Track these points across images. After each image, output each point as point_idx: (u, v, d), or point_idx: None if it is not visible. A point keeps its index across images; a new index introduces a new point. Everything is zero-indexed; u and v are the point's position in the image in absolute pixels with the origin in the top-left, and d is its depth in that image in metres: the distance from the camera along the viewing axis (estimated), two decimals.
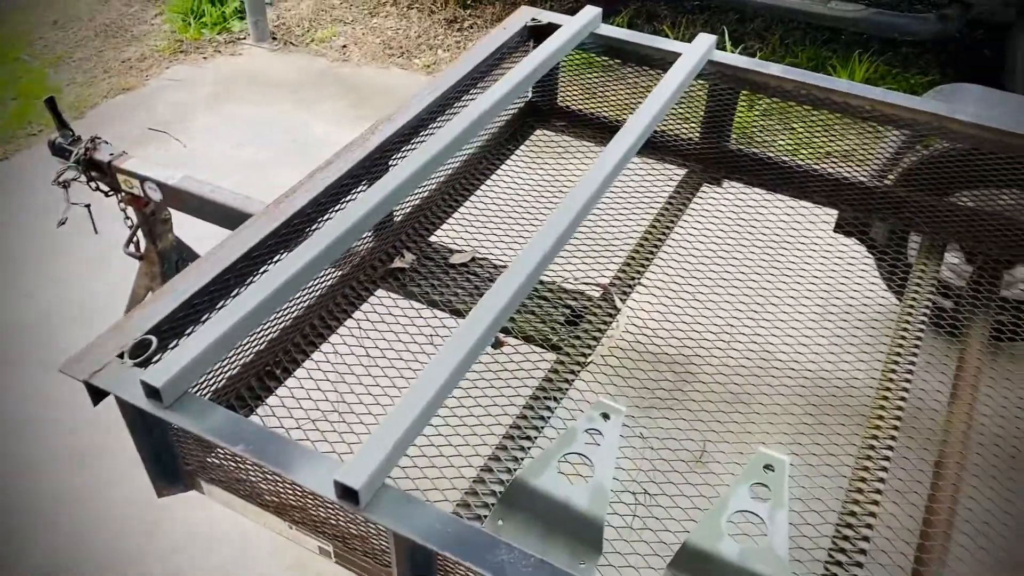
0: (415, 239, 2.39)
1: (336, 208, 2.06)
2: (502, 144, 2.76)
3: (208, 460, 1.65)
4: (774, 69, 2.49)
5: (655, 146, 2.73)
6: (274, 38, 5.54)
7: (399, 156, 2.24)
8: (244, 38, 5.52)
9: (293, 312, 2.02)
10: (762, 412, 2.23)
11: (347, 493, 1.34)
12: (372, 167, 2.15)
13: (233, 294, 1.79)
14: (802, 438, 1.83)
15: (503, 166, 2.68)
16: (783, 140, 3.52)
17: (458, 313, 2.21)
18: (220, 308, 1.75)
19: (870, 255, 2.71)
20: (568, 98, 2.88)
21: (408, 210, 2.39)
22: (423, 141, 2.29)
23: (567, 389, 2.01)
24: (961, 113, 2.31)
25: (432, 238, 2.42)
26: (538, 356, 2.11)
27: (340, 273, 2.19)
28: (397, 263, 2.31)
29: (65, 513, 2.40)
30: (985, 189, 2.48)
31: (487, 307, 1.67)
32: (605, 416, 1.77)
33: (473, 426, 1.87)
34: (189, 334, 1.69)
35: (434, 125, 2.36)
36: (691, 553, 1.50)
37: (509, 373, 2.03)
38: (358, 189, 2.12)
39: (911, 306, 2.27)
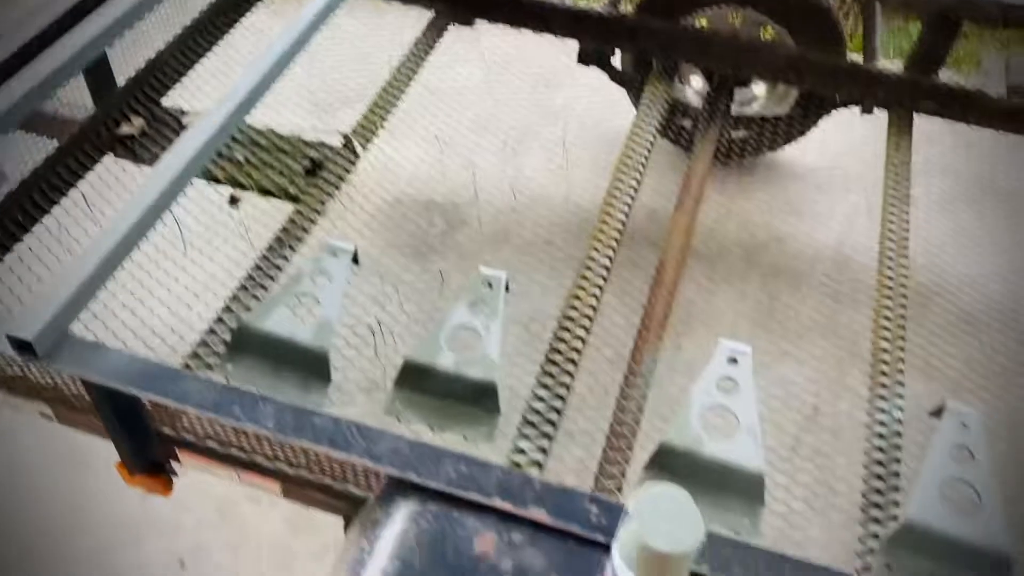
0: (145, 103, 2.29)
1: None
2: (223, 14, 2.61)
3: None
4: None
5: None
6: None
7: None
8: None
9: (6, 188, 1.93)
10: (492, 240, 2.33)
11: (22, 346, 1.33)
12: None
13: None
14: (528, 259, 1.93)
15: (244, 24, 2.57)
16: None
17: None
18: None
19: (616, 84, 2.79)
20: None
21: (133, 73, 2.28)
22: None
23: (304, 237, 2.02)
24: None
25: (166, 101, 2.33)
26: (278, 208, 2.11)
27: (57, 144, 2.09)
28: (125, 129, 2.22)
29: None
30: (717, 8, 2.59)
31: (178, 152, 1.64)
32: (334, 253, 1.80)
33: (205, 281, 1.87)
34: None
35: None
36: None
37: (245, 228, 2.03)
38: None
39: (640, 124, 2.38)
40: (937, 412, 1.63)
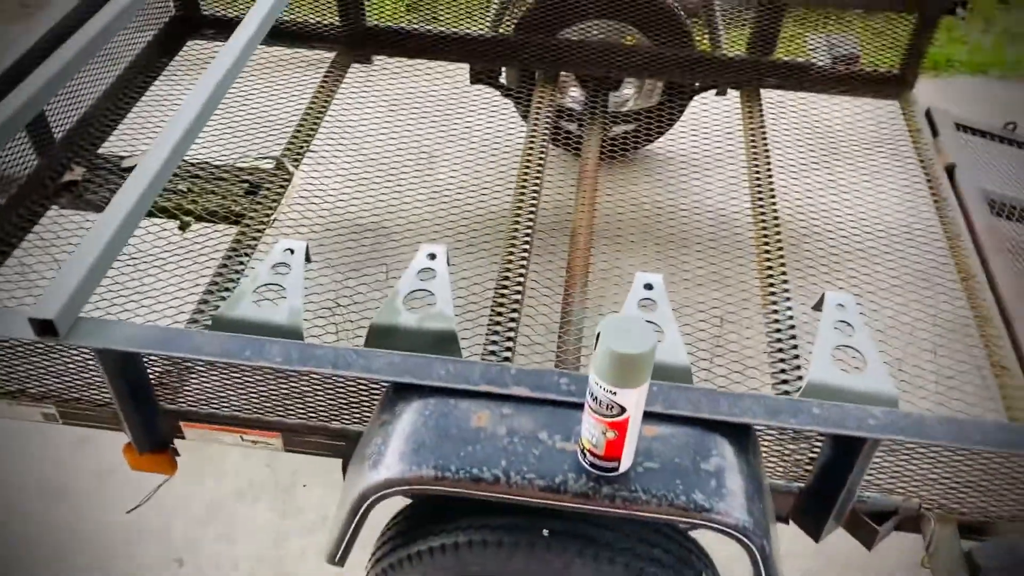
0: (83, 153, 2.48)
1: None
2: (155, 58, 2.86)
3: None
4: None
5: (300, 36, 2.97)
6: None
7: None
8: None
9: None
10: (429, 227, 2.61)
11: (45, 327, 1.50)
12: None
13: None
14: (457, 250, 2.22)
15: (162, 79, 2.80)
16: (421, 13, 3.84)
17: None
18: None
19: (507, 98, 3.15)
20: (214, 6, 3.02)
21: (70, 126, 2.46)
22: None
23: (256, 245, 2.24)
24: None
25: (101, 149, 2.52)
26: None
27: (8, 195, 2.24)
28: (68, 177, 2.39)
29: None
30: (586, 22, 2.99)
31: (127, 192, 1.81)
32: (290, 251, 2.02)
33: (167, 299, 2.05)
34: None
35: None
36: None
37: (199, 246, 2.23)
38: None
39: (533, 129, 2.73)
40: (818, 304, 1.98)
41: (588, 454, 1.38)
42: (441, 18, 3.14)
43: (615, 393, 1.26)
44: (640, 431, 1.45)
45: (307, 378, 1.70)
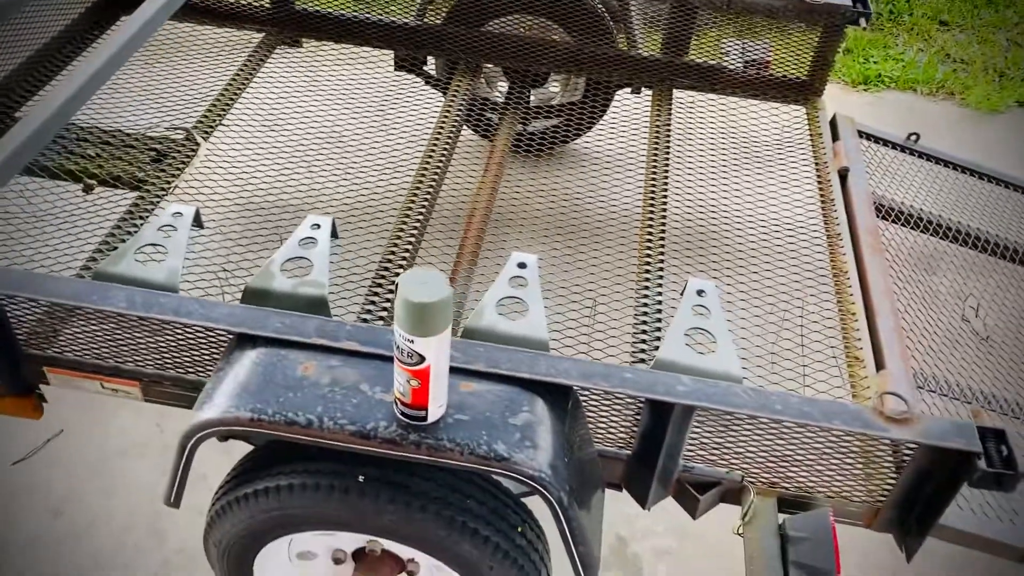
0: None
1: None
2: (86, 32, 2.92)
3: None
4: None
5: (230, 15, 3.04)
6: None
7: None
8: None
9: None
10: (329, 203, 2.68)
11: None
12: None
13: None
14: (354, 225, 2.30)
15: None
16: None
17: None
18: None
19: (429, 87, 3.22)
20: None
21: None
22: None
23: (152, 210, 2.31)
24: None
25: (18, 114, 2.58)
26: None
27: None
28: None
29: None
30: (512, 16, 3.07)
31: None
32: (179, 214, 2.08)
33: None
34: None
35: None
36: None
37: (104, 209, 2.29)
38: None
39: (445, 114, 2.80)
40: (683, 290, 2.05)
41: (398, 403, 1.44)
42: (370, 4, 3.21)
43: (413, 341, 1.33)
44: (457, 386, 1.52)
45: (162, 329, 1.76)
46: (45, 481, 2.33)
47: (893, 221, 2.66)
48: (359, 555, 1.78)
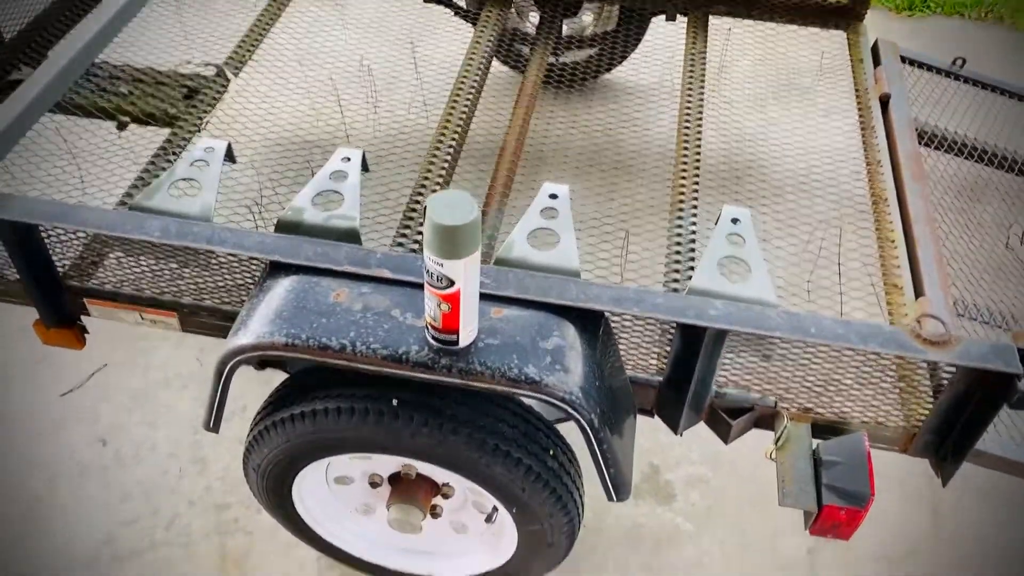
0: (33, 54, 2.56)
1: None
2: None
3: None
4: None
5: None
6: None
7: None
8: None
9: None
10: (358, 138, 2.67)
11: None
12: None
13: None
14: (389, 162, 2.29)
15: None
16: None
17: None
18: None
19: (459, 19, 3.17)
20: None
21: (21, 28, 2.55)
22: None
23: (185, 146, 2.32)
24: None
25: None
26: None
27: None
28: (14, 76, 2.48)
29: None
30: None
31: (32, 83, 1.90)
32: (211, 149, 2.09)
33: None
34: None
35: None
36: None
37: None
38: None
39: (475, 47, 2.75)
40: (717, 219, 2.02)
41: (430, 328, 1.45)
42: None
43: (442, 265, 1.33)
44: (487, 312, 1.53)
45: (197, 260, 1.79)
46: (91, 412, 2.41)
47: (936, 148, 2.58)
48: (395, 479, 1.81)
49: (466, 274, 1.36)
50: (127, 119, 2.48)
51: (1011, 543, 2.24)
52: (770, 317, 1.54)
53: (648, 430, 1.81)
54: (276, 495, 1.85)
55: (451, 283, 1.36)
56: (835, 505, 1.56)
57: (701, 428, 1.81)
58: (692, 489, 2.34)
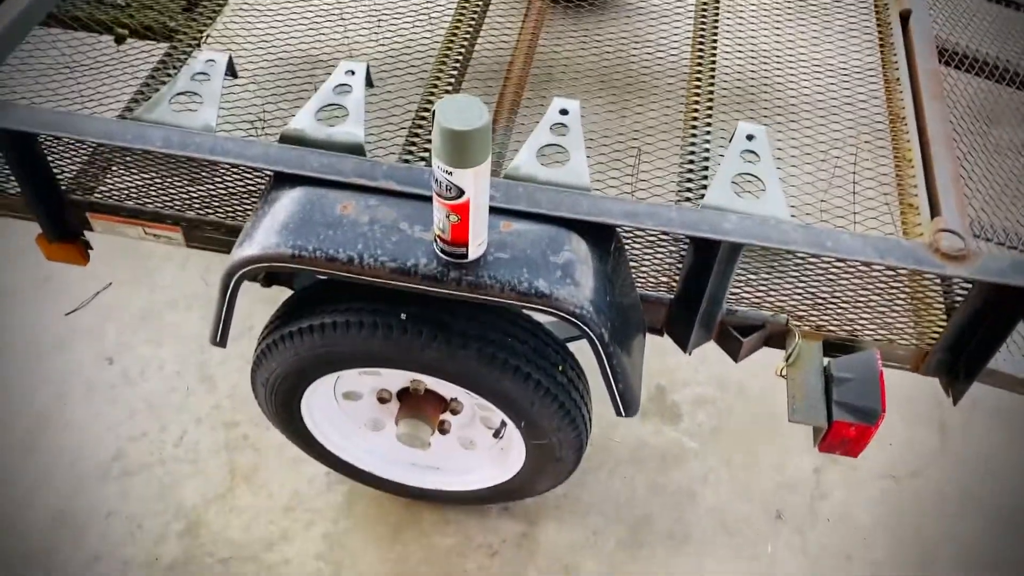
0: None
1: None
2: None
3: None
4: None
5: None
6: None
7: None
8: None
9: None
10: (360, 52, 2.61)
11: None
12: None
13: None
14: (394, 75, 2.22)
15: None
16: None
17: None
18: None
19: None
20: None
21: None
22: None
23: (185, 60, 2.26)
24: None
25: None
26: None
27: None
28: None
29: None
30: None
31: None
32: (211, 62, 2.03)
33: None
34: None
35: None
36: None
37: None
38: None
39: None
40: (732, 135, 1.97)
41: (438, 240, 1.43)
42: None
43: (451, 173, 1.30)
44: (497, 225, 1.50)
45: (200, 173, 1.75)
46: (97, 331, 2.40)
47: (957, 67, 2.50)
48: (403, 395, 1.81)
49: (476, 184, 1.33)
50: (125, 32, 2.41)
51: (1020, 461, 2.25)
52: (786, 230, 1.51)
53: (655, 353, 1.80)
54: (285, 410, 1.86)
55: (460, 193, 1.33)
56: (845, 421, 1.56)
57: (708, 350, 1.79)
58: (699, 410, 2.35)
